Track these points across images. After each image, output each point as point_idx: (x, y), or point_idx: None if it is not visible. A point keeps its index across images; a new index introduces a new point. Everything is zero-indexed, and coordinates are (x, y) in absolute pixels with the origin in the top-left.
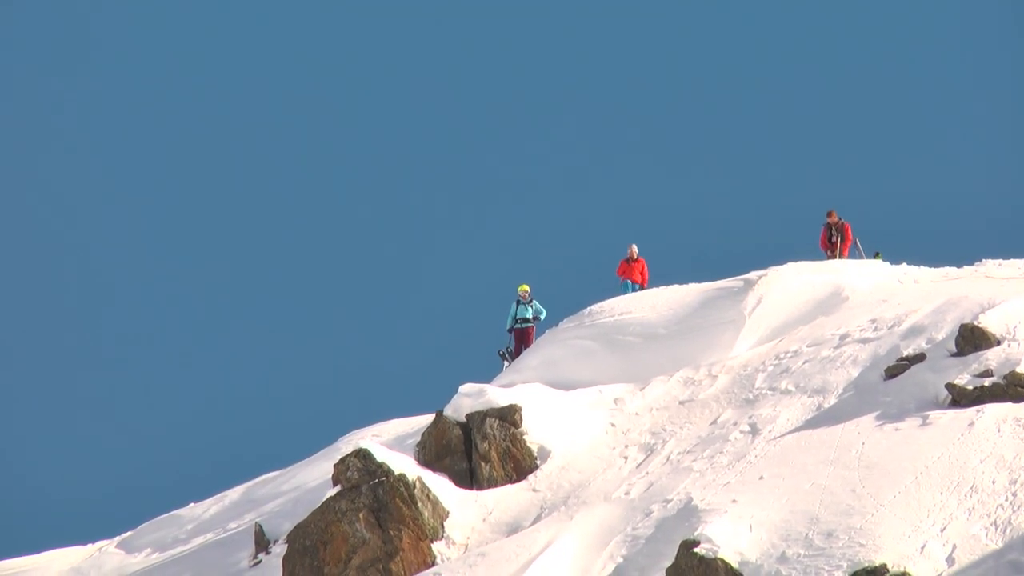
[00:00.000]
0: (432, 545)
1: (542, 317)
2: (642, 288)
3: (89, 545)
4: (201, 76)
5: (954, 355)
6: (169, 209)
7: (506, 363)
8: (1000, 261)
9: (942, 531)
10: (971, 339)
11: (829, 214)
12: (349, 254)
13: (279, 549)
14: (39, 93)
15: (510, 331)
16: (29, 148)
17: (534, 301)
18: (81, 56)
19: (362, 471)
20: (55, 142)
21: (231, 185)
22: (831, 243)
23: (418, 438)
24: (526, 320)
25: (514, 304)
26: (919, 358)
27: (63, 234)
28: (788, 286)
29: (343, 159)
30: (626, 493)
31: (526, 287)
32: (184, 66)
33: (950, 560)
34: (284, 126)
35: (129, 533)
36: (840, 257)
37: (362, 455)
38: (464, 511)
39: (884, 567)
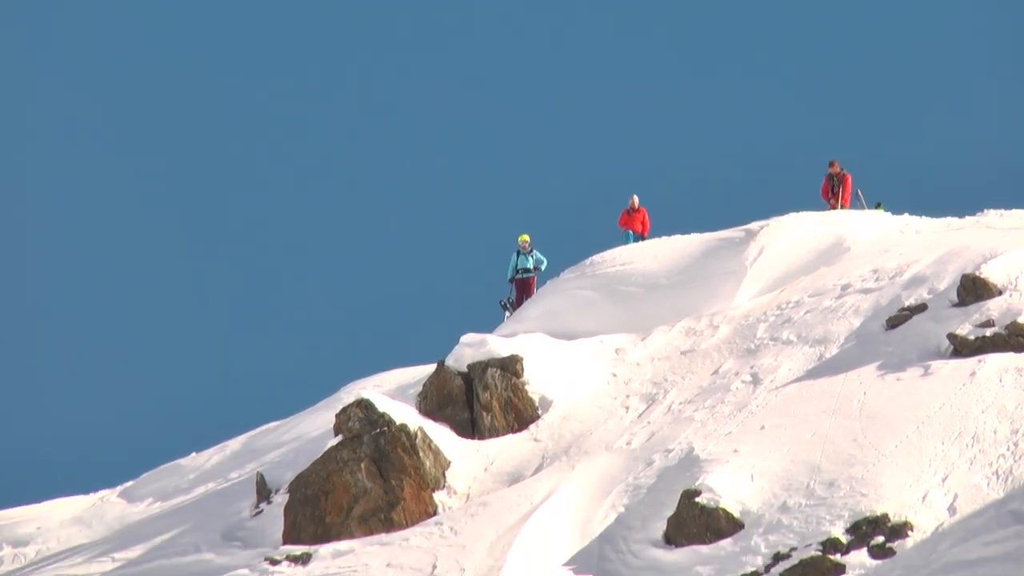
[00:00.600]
0: (434, 495)
1: (543, 267)
2: (643, 238)
3: (91, 495)
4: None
5: (956, 305)
6: (170, 163)
7: (507, 313)
8: (1002, 211)
9: (943, 480)
10: (973, 289)
11: (831, 164)
12: (352, 204)
13: (280, 499)
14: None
15: (511, 281)
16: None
17: (534, 251)
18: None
19: (364, 421)
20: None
21: (229, 138)
22: (832, 193)
23: (419, 388)
24: (527, 270)
25: (514, 254)
26: (921, 308)
27: (67, 186)
28: (790, 236)
29: (341, 106)
30: (628, 443)
31: (526, 237)
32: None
33: (951, 510)
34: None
35: (131, 483)
36: (842, 207)
37: (364, 405)
38: (466, 461)
39: (885, 516)
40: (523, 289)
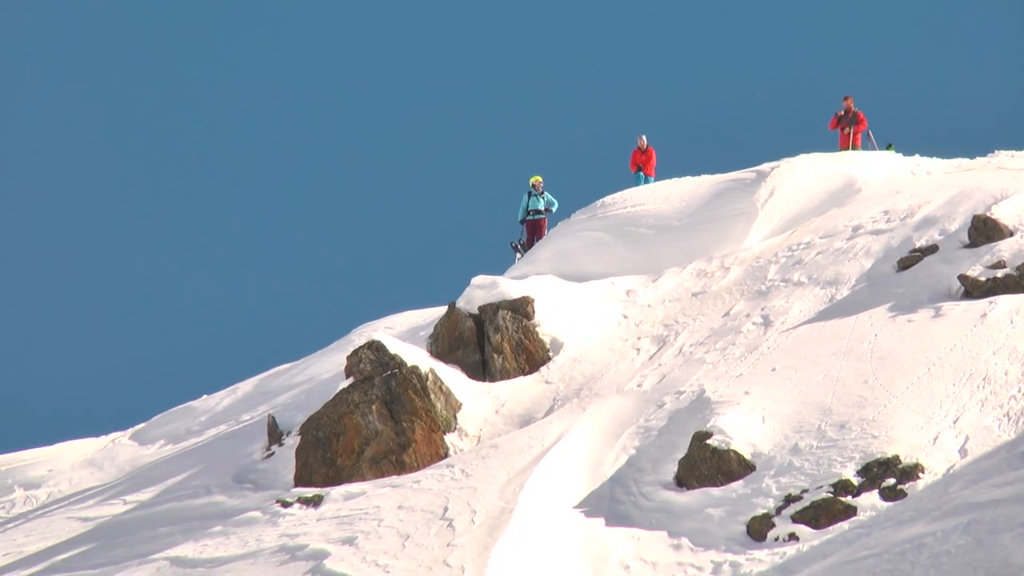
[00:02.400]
0: (445, 437)
1: (554, 208)
2: (650, 180)
3: (102, 437)
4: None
5: (967, 246)
6: (182, 114)
7: (518, 255)
8: (1013, 152)
9: (955, 422)
10: (984, 230)
11: (845, 99)
12: (363, 147)
13: (292, 441)
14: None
15: (522, 223)
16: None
17: (546, 192)
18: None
19: (375, 363)
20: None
21: (257, 89)
22: (841, 127)
23: (431, 330)
24: (538, 212)
25: (526, 196)
26: (932, 249)
27: (75, 143)
28: (801, 178)
29: (359, 66)
30: (639, 385)
31: (539, 178)
32: None
33: (963, 451)
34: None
35: (142, 425)
36: (853, 147)
37: (375, 347)
38: (477, 403)
39: (897, 458)
40: (534, 230)
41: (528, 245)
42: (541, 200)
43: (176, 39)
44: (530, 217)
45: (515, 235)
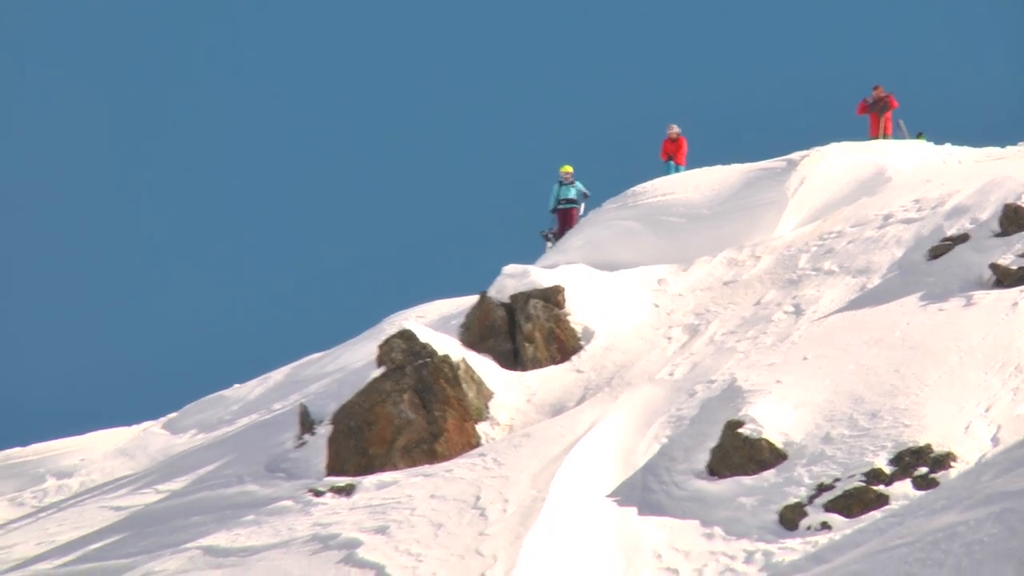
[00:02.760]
0: (477, 426)
1: (586, 200)
2: (680, 169)
3: (134, 426)
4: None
5: (997, 235)
6: (211, 116)
7: (549, 244)
8: None
9: (987, 411)
10: (1015, 219)
11: (875, 88)
12: (395, 137)
13: (324, 430)
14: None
15: (553, 212)
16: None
17: (576, 181)
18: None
19: (406, 352)
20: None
21: (281, 87)
22: (871, 113)
23: (462, 319)
24: (569, 201)
25: (556, 185)
26: (963, 238)
27: (107, 139)
28: (831, 166)
29: (393, 55)
30: (670, 374)
31: (569, 168)
32: None
33: (995, 440)
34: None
35: (174, 414)
36: (884, 136)
37: (406, 336)
38: (508, 392)
39: (928, 447)
40: (565, 220)
41: (559, 234)
42: (572, 189)
43: (193, 37)
44: (561, 206)
45: (546, 224)
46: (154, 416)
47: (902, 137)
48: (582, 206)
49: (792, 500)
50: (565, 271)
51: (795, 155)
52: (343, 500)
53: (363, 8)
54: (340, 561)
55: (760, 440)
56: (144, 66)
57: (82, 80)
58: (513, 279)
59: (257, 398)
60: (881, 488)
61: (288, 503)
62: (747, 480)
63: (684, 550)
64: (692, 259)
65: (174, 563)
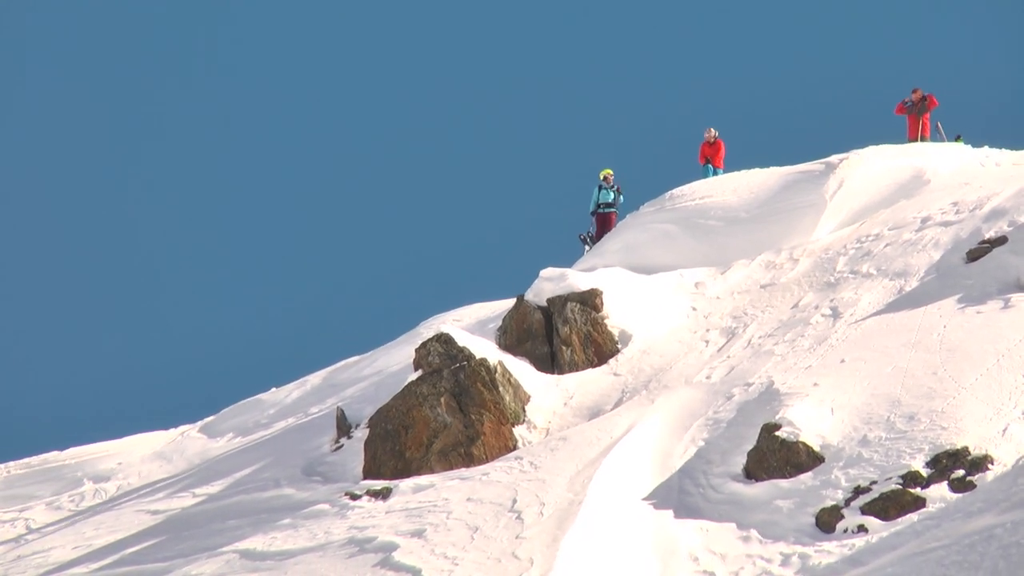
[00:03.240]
0: (513, 429)
1: (621, 200)
2: (718, 172)
3: (171, 430)
4: None
5: None
6: (253, 118)
7: (586, 247)
8: None
9: None
10: None
11: (914, 91)
12: (434, 139)
13: (361, 434)
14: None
15: (592, 215)
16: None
17: (616, 186)
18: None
19: (443, 355)
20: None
21: (302, 96)
22: (910, 114)
23: (499, 323)
24: (608, 205)
25: (596, 188)
26: (1001, 241)
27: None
28: (869, 169)
29: (429, 58)
30: (707, 377)
31: (609, 171)
32: None
33: None
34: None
35: (211, 418)
36: (922, 138)
37: (443, 339)
38: (545, 395)
39: (966, 450)
40: (604, 223)
41: (597, 238)
42: (611, 193)
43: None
44: (600, 210)
45: (583, 227)
46: (191, 420)
47: (940, 140)
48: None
49: (829, 503)
50: (603, 274)
51: (833, 158)
52: (379, 503)
53: (403, 10)
54: (376, 564)
55: (797, 443)
56: (165, 68)
57: (91, 88)
58: (551, 282)
59: (294, 402)
60: (918, 491)
61: (324, 507)
62: (784, 483)
63: (720, 553)
64: (730, 262)
65: (210, 567)
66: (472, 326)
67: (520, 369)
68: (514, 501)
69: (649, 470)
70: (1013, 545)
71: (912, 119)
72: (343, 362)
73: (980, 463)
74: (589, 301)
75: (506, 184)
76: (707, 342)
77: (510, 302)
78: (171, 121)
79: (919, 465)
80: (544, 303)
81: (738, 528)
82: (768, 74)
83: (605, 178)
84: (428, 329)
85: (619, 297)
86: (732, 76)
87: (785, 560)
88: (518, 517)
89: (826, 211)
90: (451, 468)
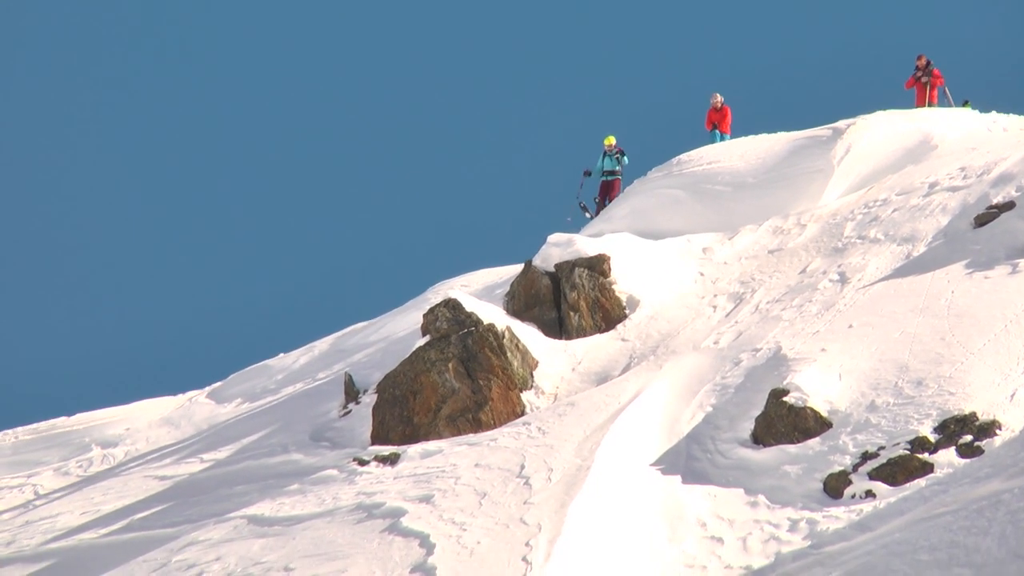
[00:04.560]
0: (521, 395)
1: (625, 163)
2: (725, 138)
3: (179, 395)
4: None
5: None
6: (264, 94)
7: (588, 215)
8: None
9: None
10: None
11: (919, 57)
12: (435, 111)
13: (368, 399)
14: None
15: (587, 174)
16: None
17: (617, 151)
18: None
19: (451, 321)
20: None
21: (324, 71)
22: (918, 82)
23: (507, 288)
24: (612, 172)
25: (601, 156)
26: (1008, 206)
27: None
28: (877, 135)
29: (440, 39)
30: (715, 342)
31: (612, 139)
32: None
33: None
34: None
35: (219, 383)
36: (929, 104)
37: (451, 305)
38: (553, 361)
39: (974, 415)
40: (607, 191)
41: (600, 205)
42: (614, 160)
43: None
44: (604, 177)
45: (584, 195)
46: (199, 385)
47: (948, 105)
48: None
49: (837, 468)
50: (610, 240)
51: (841, 123)
52: (387, 469)
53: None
54: (384, 530)
55: (805, 408)
56: (168, 58)
57: (105, 91)
58: (558, 248)
59: (302, 367)
60: (926, 456)
61: (332, 472)
62: (792, 448)
63: (728, 518)
64: (737, 227)
65: (218, 532)
66: (480, 291)
67: (528, 334)
68: (522, 467)
69: (657, 436)
70: (1020, 511)
71: (920, 87)
72: (351, 328)
73: (988, 428)
74: (597, 266)
75: (514, 151)
76: (715, 307)
77: (518, 267)
78: (182, 95)
79: (927, 431)
80: (552, 268)
81: (746, 493)
82: (775, 39)
83: (608, 146)
84: (436, 295)
85: (627, 262)
86: (739, 41)
87: (793, 525)
88: (526, 483)
89: (833, 176)
90: (459, 434)
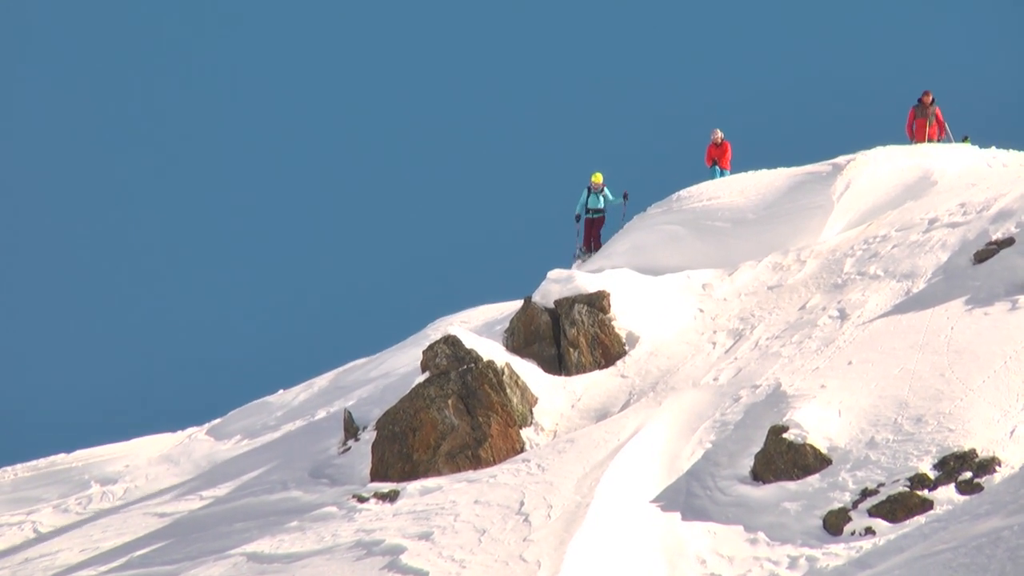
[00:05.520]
0: (521, 431)
1: (609, 199)
2: (725, 173)
3: (178, 432)
4: None
5: None
6: (261, 120)
7: (579, 261)
8: None
9: None
10: None
11: (925, 94)
12: (438, 142)
13: (368, 436)
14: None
15: (578, 219)
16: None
17: (605, 189)
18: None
19: (451, 357)
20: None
21: (309, 95)
22: (918, 122)
23: (506, 324)
24: (598, 210)
25: (585, 191)
26: (1008, 242)
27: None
28: (877, 170)
29: (439, 48)
30: (715, 379)
31: (599, 177)
32: None
33: None
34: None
35: (218, 420)
36: (928, 140)
37: (451, 341)
38: (553, 397)
39: (973, 452)
40: (591, 228)
41: (585, 243)
42: (600, 198)
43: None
44: (588, 215)
45: (580, 240)
46: (199, 422)
47: (947, 141)
48: (624, 205)
49: (836, 505)
50: (610, 276)
51: (840, 159)
52: (387, 506)
53: (406, 19)
54: (384, 567)
55: (804, 445)
56: (179, 68)
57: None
58: (558, 284)
59: (301, 404)
60: (925, 493)
61: (332, 509)
62: (791, 485)
63: (728, 555)
64: (737, 264)
65: (218, 570)
66: (479, 328)
67: (527, 371)
68: (521, 503)
69: (656, 472)
70: (1021, 548)
71: (920, 123)
72: (350, 364)
73: (987, 465)
74: (596, 303)
75: (514, 186)
76: (714, 344)
77: (517, 304)
78: (177, 122)
79: (926, 467)
80: (551, 305)
81: (745, 530)
82: (775, 75)
83: (595, 183)
84: (435, 331)
85: (626, 299)
86: (739, 77)
87: (792, 563)
88: (526, 520)
89: (833, 212)
90: (458, 470)
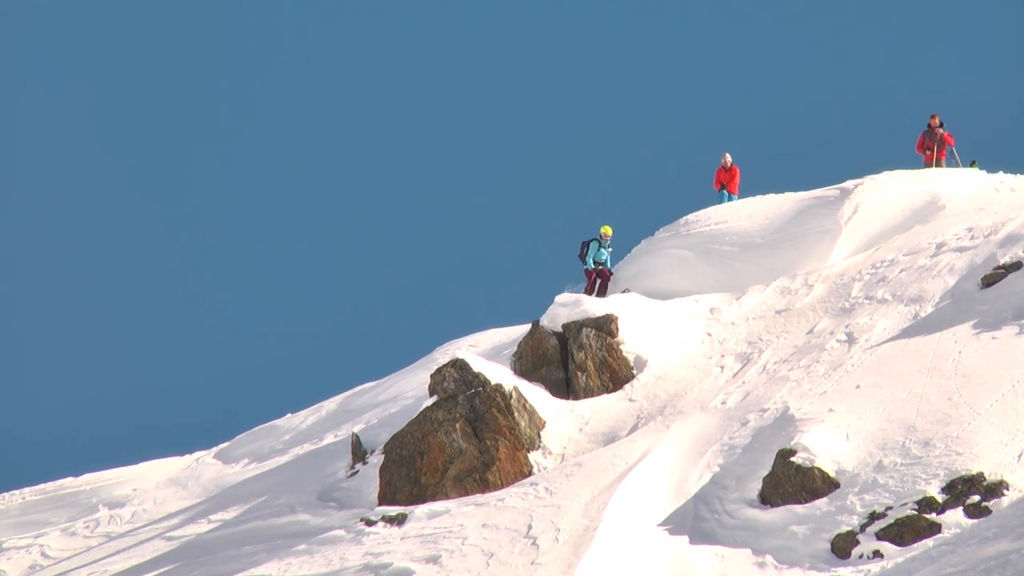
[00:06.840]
0: (529, 455)
1: (610, 252)
2: (733, 198)
3: (186, 456)
4: None
5: None
6: (269, 146)
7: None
8: None
9: None
10: None
11: (932, 117)
12: (444, 166)
13: (376, 459)
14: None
15: (585, 269)
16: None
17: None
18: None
19: (459, 381)
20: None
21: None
22: (927, 146)
23: (514, 348)
24: (602, 263)
25: (595, 243)
26: (1016, 266)
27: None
28: (884, 195)
29: (453, 74)
30: (723, 403)
31: (609, 230)
32: None
33: None
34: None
35: (226, 444)
36: (937, 163)
37: (459, 365)
38: (561, 421)
39: (981, 475)
40: (600, 278)
41: (589, 292)
42: (604, 252)
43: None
44: (593, 267)
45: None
46: (206, 446)
47: (955, 165)
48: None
49: (844, 529)
50: (618, 300)
51: (848, 183)
52: (395, 529)
53: (421, 44)
54: None
55: (812, 469)
56: (197, 74)
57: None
58: (566, 308)
59: (309, 427)
60: (933, 516)
61: (340, 532)
62: (799, 508)
63: None
64: (745, 288)
65: None
66: (487, 352)
67: (535, 395)
68: (529, 527)
69: (664, 496)
70: None
71: (929, 147)
72: (358, 388)
73: (995, 489)
74: (604, 327)
75: (522, 209)
76: (722, 368)
77: (525, 327)
78: (187, 146)
79: (934, 491)
80: (559, 329)
81: (753, 554)
82: (784, 100)
83: (604, 236)
84: (443, 355)
85: (634, 323)
86: (748, 102)
87: None
88: (533, 543)
89: (841, 237)
90: (466, 494)
